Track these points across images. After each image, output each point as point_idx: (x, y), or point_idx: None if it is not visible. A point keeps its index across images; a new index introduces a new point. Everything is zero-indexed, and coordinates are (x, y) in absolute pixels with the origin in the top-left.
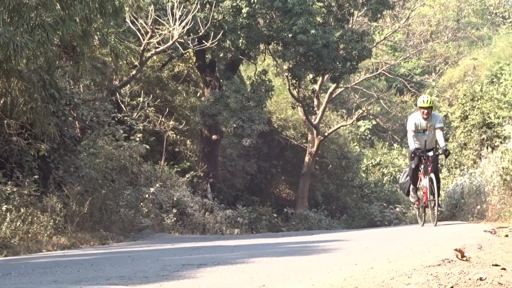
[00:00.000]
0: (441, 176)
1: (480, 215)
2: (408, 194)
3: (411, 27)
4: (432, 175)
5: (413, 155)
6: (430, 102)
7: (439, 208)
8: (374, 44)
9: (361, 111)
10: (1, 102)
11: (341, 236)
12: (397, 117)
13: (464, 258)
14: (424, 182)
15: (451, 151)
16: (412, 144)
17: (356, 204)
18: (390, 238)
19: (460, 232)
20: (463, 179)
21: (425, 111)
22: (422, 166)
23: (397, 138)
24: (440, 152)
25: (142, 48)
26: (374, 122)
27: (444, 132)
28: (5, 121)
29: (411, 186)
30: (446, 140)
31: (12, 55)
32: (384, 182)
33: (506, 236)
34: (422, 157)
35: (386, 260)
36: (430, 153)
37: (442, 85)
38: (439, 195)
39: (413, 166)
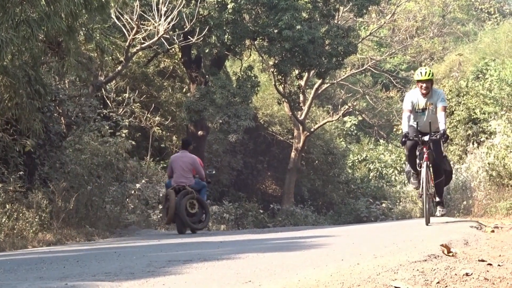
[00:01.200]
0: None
1: (466, 211)
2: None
3: (397, 22)
4: (427, 163)
5: (404, 139)
6: (429, 74)
7: (440, 211)
8: (360, 40)
9: (347, 106)
10: None
11: (328, 232)
12: (383, 113)
13: (450, 254)
14: (421, 171)
15: (449, 136)
16: (406, 126)
17: (342, 200)
18: (376, 234)
19: (446, 228)
20: None
21: (424, 85)
22: (418, 153)
23: (383, 134)
24: (437, 137)
25: (127, 43)
26: (360, 118)
27: (447, 112)
28: None
29: (412, 171)
30: None
31: None
32: (370, 177)
33: (492, 231)
34: (417, 142)
35: (372, 256)
36: (426, 138)
37: None
38: (441, 192)
39: (406, 152)
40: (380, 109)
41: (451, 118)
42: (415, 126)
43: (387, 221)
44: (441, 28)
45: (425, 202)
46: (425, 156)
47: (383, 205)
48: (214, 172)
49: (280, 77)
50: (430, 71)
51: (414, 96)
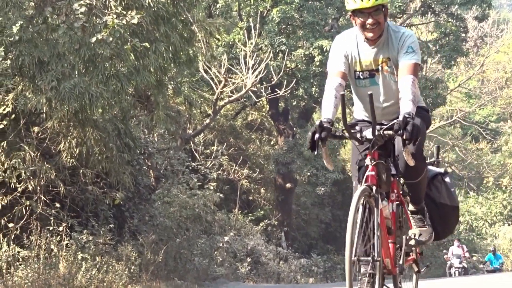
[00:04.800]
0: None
1: None
2: None
3: (486, 74)
4: (367, 189)
5: (312, 135)
6: None
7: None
8: (449, 91)
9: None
10: (77, 151)
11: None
12: (472, 165)
13: None
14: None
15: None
16: (328, 106)
17: (432, 252)
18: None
19: None
20: None
21: (370, 20)
22: (357, 166)
23: (473, 186)
24: (395, 128)
25: (215, 97)
26: (449, 170)
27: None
28: (81, 170)
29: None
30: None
31: (87, 105)
32: (460, 230)
33: None
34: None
35: None
36: (368, 133)
37: None
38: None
39: (356, 178)
40: (469, 161)
41: None
42: (362, 107)
43: (477, 274)
44: None
45: (348, 275)
46: (369, 173)
47: (474, 258)
48: None
49: None
50: None
51: (350, 44)
